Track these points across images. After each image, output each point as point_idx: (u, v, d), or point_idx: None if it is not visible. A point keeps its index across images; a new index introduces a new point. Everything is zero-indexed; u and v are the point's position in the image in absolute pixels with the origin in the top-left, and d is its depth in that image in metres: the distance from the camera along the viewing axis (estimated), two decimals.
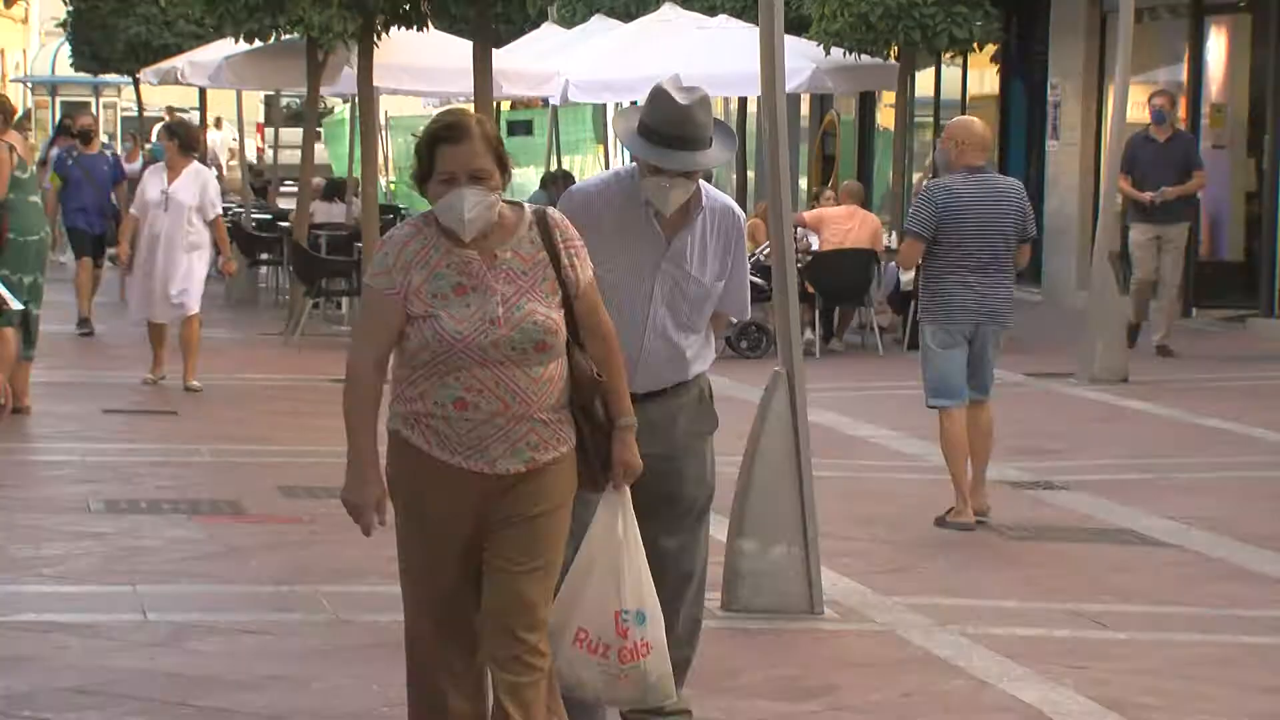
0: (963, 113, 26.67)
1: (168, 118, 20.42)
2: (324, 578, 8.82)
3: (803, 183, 29.90)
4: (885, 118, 27.76)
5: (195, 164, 15.28)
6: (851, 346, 18.97)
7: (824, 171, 29.33)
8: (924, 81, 26.68)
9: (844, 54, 22.06)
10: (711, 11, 24.73)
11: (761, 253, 18.19)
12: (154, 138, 15.90)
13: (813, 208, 20.52)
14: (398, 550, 5.58)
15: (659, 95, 6.26)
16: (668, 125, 6.20)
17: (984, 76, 26.07)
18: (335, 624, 8.07)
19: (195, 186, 15.02)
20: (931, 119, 27.46)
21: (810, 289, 18.05)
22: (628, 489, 5.66)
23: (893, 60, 22.58)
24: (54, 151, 27.58)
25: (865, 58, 22.15)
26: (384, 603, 8.38)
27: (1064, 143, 23.53)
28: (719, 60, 21.29)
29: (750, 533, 8.32)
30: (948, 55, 23.42)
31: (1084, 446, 13.11)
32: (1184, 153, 17.53)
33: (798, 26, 22.45)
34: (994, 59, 25.23)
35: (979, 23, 21.79)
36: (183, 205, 14.89)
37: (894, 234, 20.84)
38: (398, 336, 5.47)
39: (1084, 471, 12.06)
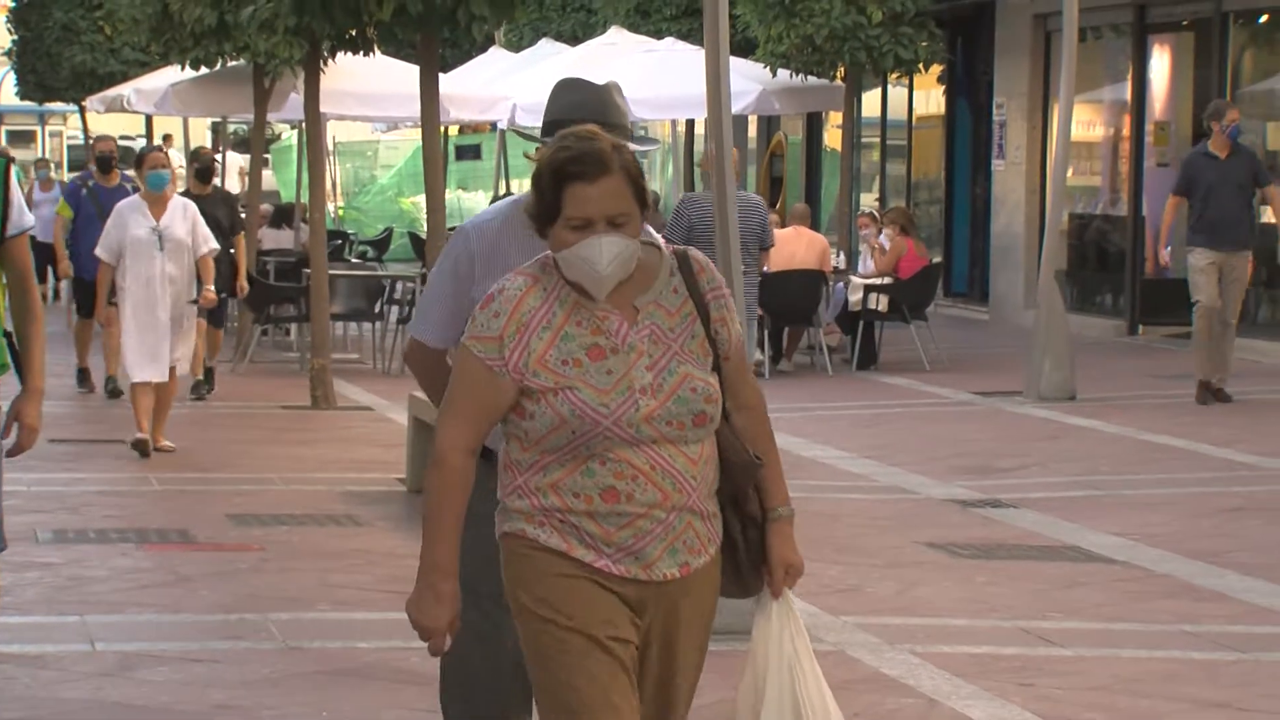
0: (909, 134, 26.84)
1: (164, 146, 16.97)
2: (273, 605, 8.80)
3: None
4: (832, 138, 27.88)
5: (178, 197, 13.91)
6: (800, 367, 19.03)
7: (772, 193, 29.42)
8: (870, 102, 26.82)
9: (790, 75, 22.17)
10: (658, 34, 24.82)
11: None
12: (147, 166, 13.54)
13: None
14: (549, 695, 4.36)
15: (566, 83, 5.43)
16: (582, 110, 5.27)
17: (929, 97, 26.20)
18: (285, 652, 8.04)
19: (186, 221, 13.47)
20: (878, 139, 27.58)
21: (759, 310, 18.09)
22: (789, 594, 4.62)
23: (839, 81, 22.69)
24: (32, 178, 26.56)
25: (812, 79, 22.27)
26: (333, 630, 8.38)
27: (1010, 162, 23.65)
28: (666, 83, 21.37)
29: None
30: (893, 76, 23.52)
31: (1032, 464, 13.17)
32: (1250, 169, 15.78)
33: (744, 48, 22.56)
34: (939, 79, 25.37)
35: (924, 43, 21.93)
36: (181, 243, 13.36)
37: (842, 254, 20.95)
38: (500, 418, 4.39)
39: (1032, 489, 12.11)
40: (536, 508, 4.39)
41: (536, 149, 4.88)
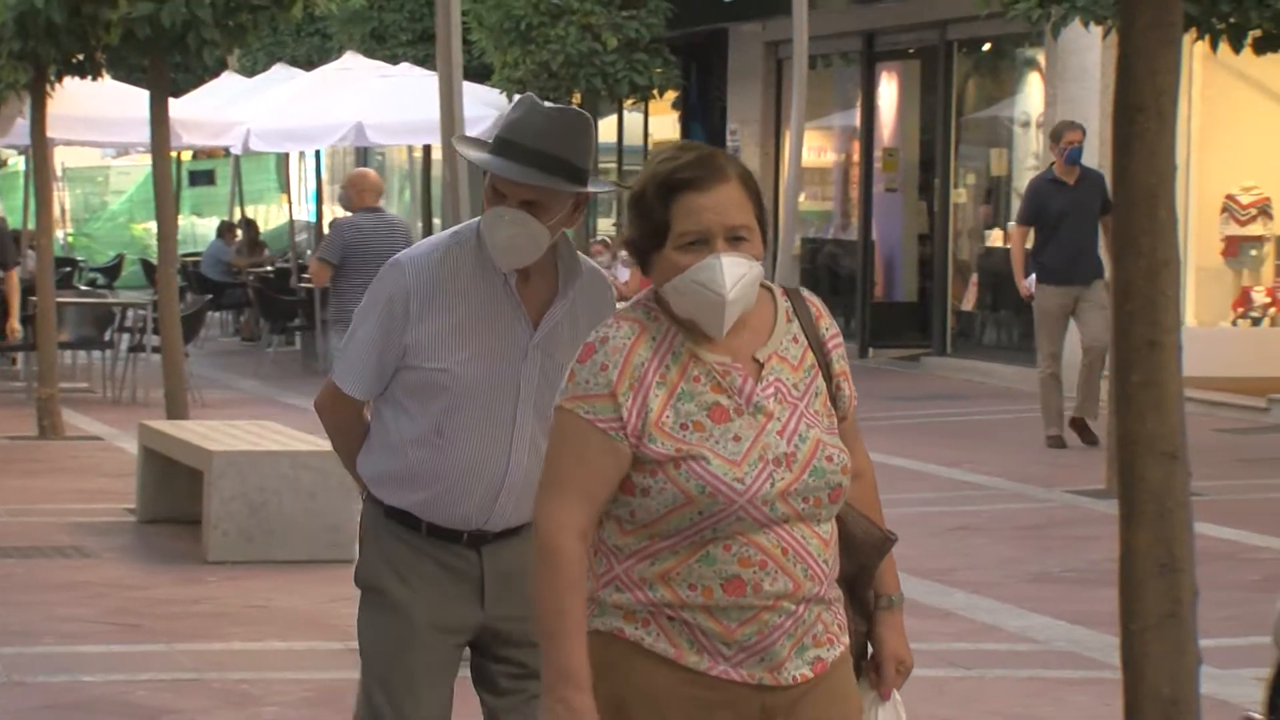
0: (644, 158, 27.04)
1: None
2: None
3: None
4: None
5: None
6: None
7: None
8: (606, 128, 26.96)
9: None
10: (393, 60, 24.73)
11: None
12: None
13: None
14: None
15: (522, 102, 4.65)
16: (520, 132, 4.52)
17: (665, 122, 26.42)
18: (8, 686, 7.87)
19: None
20: (615, 165, 27.74)
21: None
22: (897, 696, 4.03)
23: (575, 107, 22.81)
24: None
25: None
26: (58, 664, 8.21)
27: None
28: (401, 108, 21.30)
29: None
30: (629, 102, 23.71)
31: None
32: (1100, 194, 13.79)
33: (480, 74, 22.56)
34: (674, 105, 25.59)
35: (659, 70, 22.14)
36: None
37: None
38: (615, 491, 3.67)
39: None
40: (641, 603, 3.65)
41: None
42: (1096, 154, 17.41)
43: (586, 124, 4.59)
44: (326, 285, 13.35)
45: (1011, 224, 15.38)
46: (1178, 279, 4.83)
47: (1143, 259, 4.74)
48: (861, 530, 3.84)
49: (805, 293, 3.86)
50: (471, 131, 18.96)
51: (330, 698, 7.81)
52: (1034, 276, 14.40)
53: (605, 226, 26.76)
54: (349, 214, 13.57)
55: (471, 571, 4.63)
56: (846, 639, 3.80)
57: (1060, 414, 14.49)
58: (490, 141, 4.62)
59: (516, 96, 4.84)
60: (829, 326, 3.83)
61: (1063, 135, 14.49)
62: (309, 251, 24.53)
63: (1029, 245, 14.40)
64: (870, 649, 3.96)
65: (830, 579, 3.73)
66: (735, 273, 3.62)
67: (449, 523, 4.62)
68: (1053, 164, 14.66)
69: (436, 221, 29.11)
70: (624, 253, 19.96)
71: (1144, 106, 4.69)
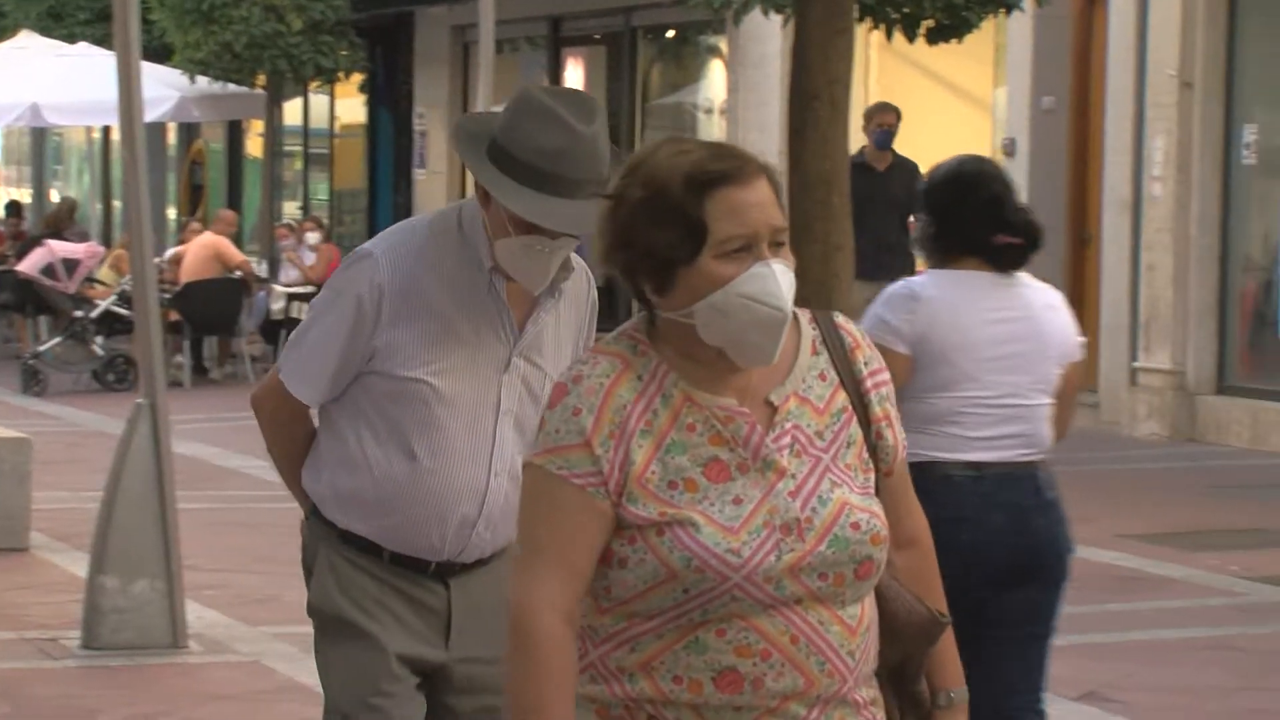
0: (331, 141, 26.85)
1: None
2: None
3: (171, 213, 29.54)
4: (255, 146, 27.67)
5: None
6: (227, 376, 18.95)
7: (193, 201, 29.03)
8: (292, 110, 26.71)
9: (210, 82, 21.97)
10: (71, 39, 24.24)
11: (126, 284, 17.98)
12: None
13: (184, 242, 20.35)
14: None
15: (539, 111, 3.95)
16: (557, 162, 3.91)
17: (352, 105, 26.26)
18: None
19: None
20: (301, 147, 27.52)
21: (179, 318, 18.12)
22: None
23: (260, 89, 22.57)
24: None
25: (232, 86, 22.10)
26: None
27: (431, 171, 23.91)
28: (80, 88, 20.92)
29: (111, 569, 8.19)
30: (314, 84, 23.52)
31: None
32: (907, 187, 12.02)
33: (162, 54, 22.22)
34: (361, 88, 25.46)
35: (344, 52, 22.02)
36: None
37: (265, 263, 20.85)
38: (599, 560, 3.04)
39: None
40: (617, 697, 3.04)
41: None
42: (776, 141, 17.74)
43: (605, 118, 4.03)
44: None
45: None
46: (851, 263, 4.97)
47: (817, 244, 4.87)
48: (905, 609, 3.16)
49: (840, 319, 3.19)
50: (151, 114, 18.65)
51: (5, 688, 7.66)
52: None
53: (292, 209, 26.52)
54: None
55: (438, 606, 4.11)
56: None
57: None
58: (494, 149, 3.94)
59: (510, 96, 4.00)
60: (869, 360, 3.14)
61: (873, 117, 13.45)
62: None
63: None
64: None
65: (858, 675, 3.06)
66: (787, 281, 3.03)
67: (416, 551, 4.10)
68: (863, 148, 13.34)
69: (117, 204, 28.60)
70: (311, 235, 19.83)
71: (818, 94, 4.82)
